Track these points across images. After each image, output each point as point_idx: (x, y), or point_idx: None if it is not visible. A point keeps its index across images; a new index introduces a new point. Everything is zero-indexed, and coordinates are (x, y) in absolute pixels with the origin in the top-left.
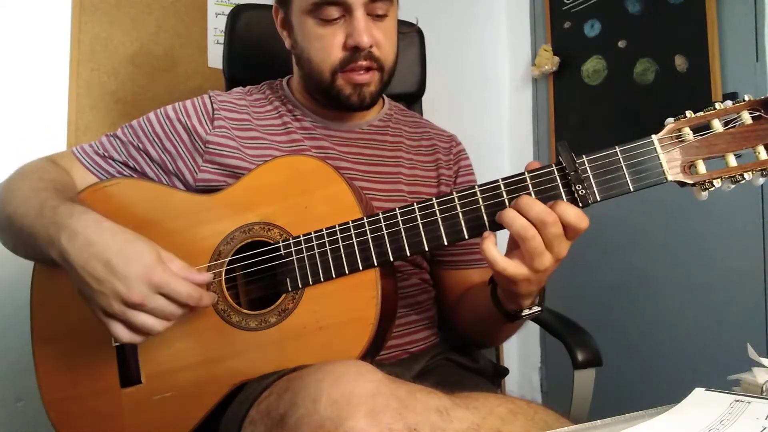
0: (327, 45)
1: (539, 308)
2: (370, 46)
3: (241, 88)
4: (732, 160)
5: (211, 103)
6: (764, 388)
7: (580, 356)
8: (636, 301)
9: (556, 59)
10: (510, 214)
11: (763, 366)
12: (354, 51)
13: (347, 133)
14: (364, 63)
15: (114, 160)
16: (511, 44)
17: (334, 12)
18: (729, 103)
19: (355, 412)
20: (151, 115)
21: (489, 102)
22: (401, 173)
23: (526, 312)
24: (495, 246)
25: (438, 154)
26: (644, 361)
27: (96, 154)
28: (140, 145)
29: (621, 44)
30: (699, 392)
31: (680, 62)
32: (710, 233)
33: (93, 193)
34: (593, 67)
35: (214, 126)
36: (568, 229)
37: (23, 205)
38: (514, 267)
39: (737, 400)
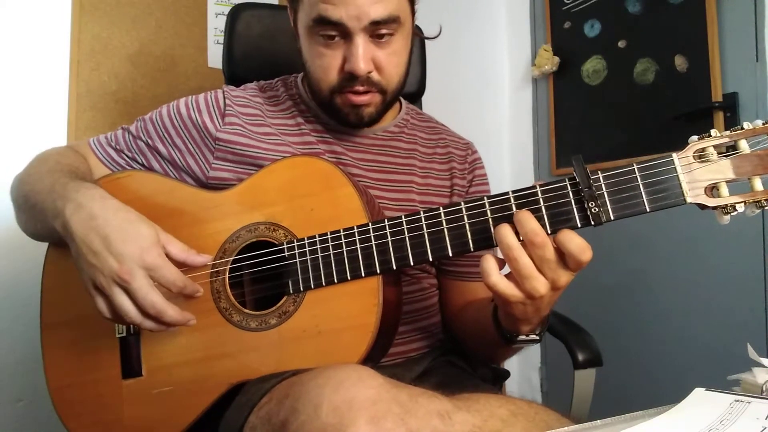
0: (326, 65)
1: (537, 338)
2: (369, 72)
3: (255, 83)
4: (758, 184)
5: (224, 98)
6: (764, 388)
7: (580, 356)
8: (636, 301)
9: (556, 59)
10: (501, 231)
11: (763, 366)
12: (351, 76)
13: (360, 138)
14: (361, 88)
15: (125, 153)
16: (511, 44)
17: (333, 31)
18: (759, 122)
19: (357, 419)
20: (164, 109)
21: (489, 102)
22: (414, 182)
23: (522, 338)
24: (494, 259)
25: (453, 162)
26: (644, 361)
27: (109, 146)
28: (150, 141)
29: (621, 44)
30: (699, 392)
31: (680, 62)
32: (710, 234)
33: (105, 184)
34: (593, 67)
35: (224, 122)
36: (568, 258)
37: (38, 183)
38: (505, 286)
39: (737, 400)
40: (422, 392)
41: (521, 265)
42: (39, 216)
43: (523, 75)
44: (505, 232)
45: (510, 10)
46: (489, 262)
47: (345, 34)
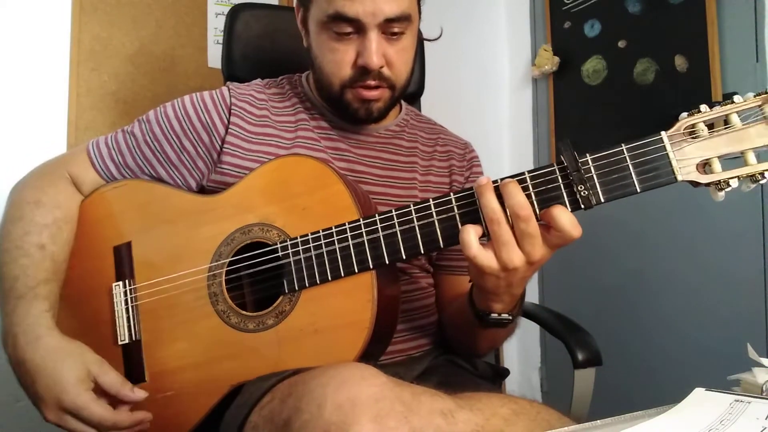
0: (338, 59)
1: (509, 317)
2: (381, 67)
3: (260, 80)
4: (752, 158)
5: (230, 96)
6: (764, 388)
7: (580, 356)
8: (636, 301)
9: (556, 59)
10: (487, 196)
11: (763, 366)
12: (363, 70)
13: (364, 136)
14: (372, 83)
15: (128, 167)
16: (511, 44)
17: (348, 27)
18: (750, 95)
19: (360, 417)
20: (169, 109)
21: (489, 102)
22: (416, 179)
23: (494, 316)
24: (475, 232)
25: (452, 160)
26: (644, 361)
27: (110, 159)
28: (156, 145)
29: (621, 44)
30: (699, 392)
31: (680, 62)
32: (710, 233)
33: (99, 195)
34: (593, 67)
35: (231, 122)
36: (556, 233)
37: (5, 263)
38: (484, 257)
39: (737, 400)
40: (425, 391)
41: (503, 231)
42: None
43: (523, 75)
44: (491, 196)
45: (510, 10)
46: (470, 235)
47: (359, 29)
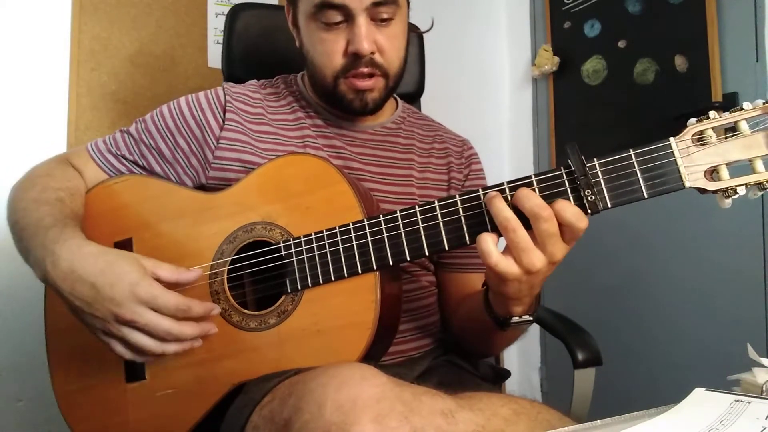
0: (329, 50)
1: (530, 318)
2: (372, 53)
3: (255, 81)
4: (760, 166)
5: (225, 94)
6: (764, 388)
7: (580, 356)
8: (636, 301)
9: (556, 59)
10: (498, 205)
11: (763, 366)
12: (355, 57)
13: (359, 133)
14: (365, 70)
15: (126, 158)
16: (511, 44)
17: (336, 16)
18: (759, 102)
19: (361, 417)
20: (165, 109)
21: (489, 102)
22: (413, 176)
23: (515, 319)
24: (493, 241)
25: (450, 157)
26: (644, 361)
27: (108, 152)
28: (152, 142)
29: (621, 44)
30: (699, 392)
31: (680, 62)
32: (710, 233)
33: (102, 190)
34: (593, 67)
35: (226, 119)
36: (565, 228)
37: (24, 216)
38: (505, 264)
39: (737, 400)
40: (426, 391)
41: (520, 237)
42: (24, 252)
43: (523, 75)
44: (501, 205)
45: (510, 10)
46: (488, 244)
47: (347, 16)
